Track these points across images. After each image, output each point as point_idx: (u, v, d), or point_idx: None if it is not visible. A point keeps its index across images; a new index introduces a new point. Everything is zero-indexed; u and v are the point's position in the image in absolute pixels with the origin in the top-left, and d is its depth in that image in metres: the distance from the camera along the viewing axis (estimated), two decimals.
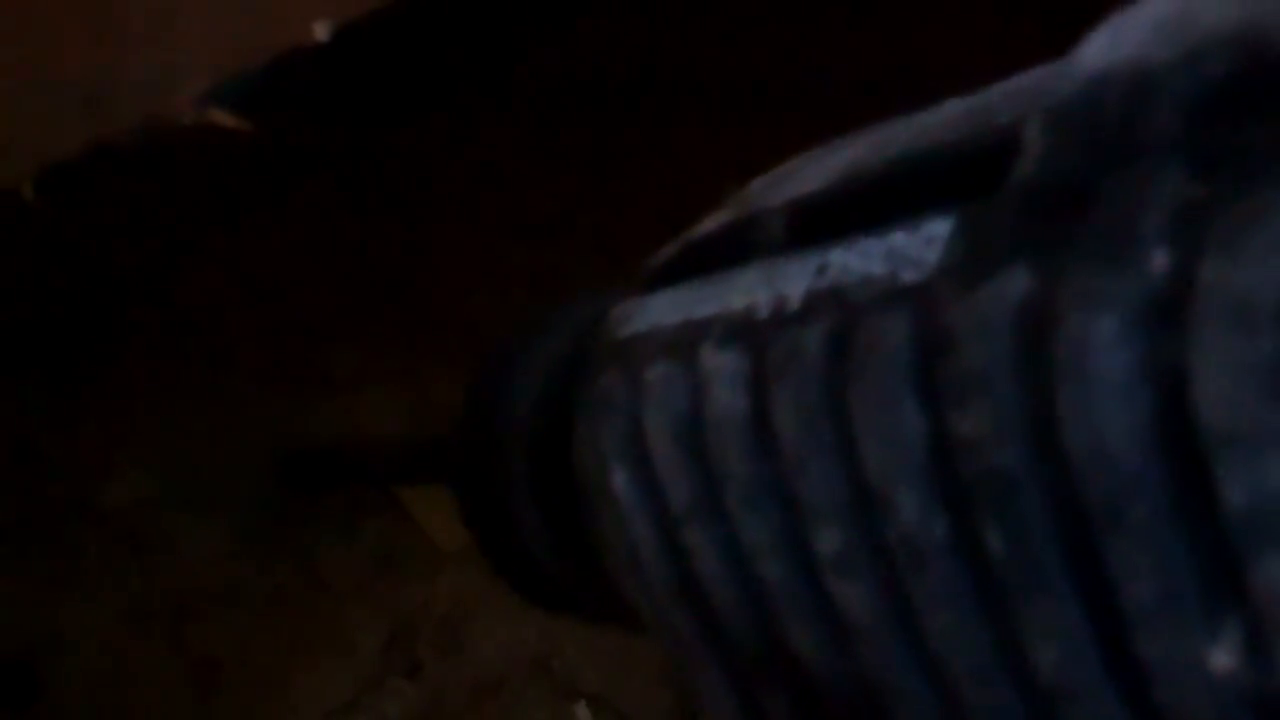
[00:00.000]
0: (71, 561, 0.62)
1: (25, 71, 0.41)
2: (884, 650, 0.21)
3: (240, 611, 0.65)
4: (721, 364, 0.24)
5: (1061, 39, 0.21)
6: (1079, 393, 0.17)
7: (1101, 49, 0.19)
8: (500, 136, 0.75)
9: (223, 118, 0.45)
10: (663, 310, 0.28)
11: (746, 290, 0.25)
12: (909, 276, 0.21)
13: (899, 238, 0.22)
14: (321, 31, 0.44)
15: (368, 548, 0.70)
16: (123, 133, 0.42)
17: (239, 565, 0.65)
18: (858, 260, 0.23)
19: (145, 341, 0.66)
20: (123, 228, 0.62)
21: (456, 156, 0.73)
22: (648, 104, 0.74)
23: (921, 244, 0.21)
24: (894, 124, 0.25)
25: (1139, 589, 0.17)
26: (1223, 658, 0.16)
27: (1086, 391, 0.17)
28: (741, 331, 0.24)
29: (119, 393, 0.65)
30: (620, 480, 0.27)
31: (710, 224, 0.30)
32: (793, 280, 0.24)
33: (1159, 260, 0.17)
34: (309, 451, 0.67)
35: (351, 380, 0.69)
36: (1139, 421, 0.16)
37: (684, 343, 0.26)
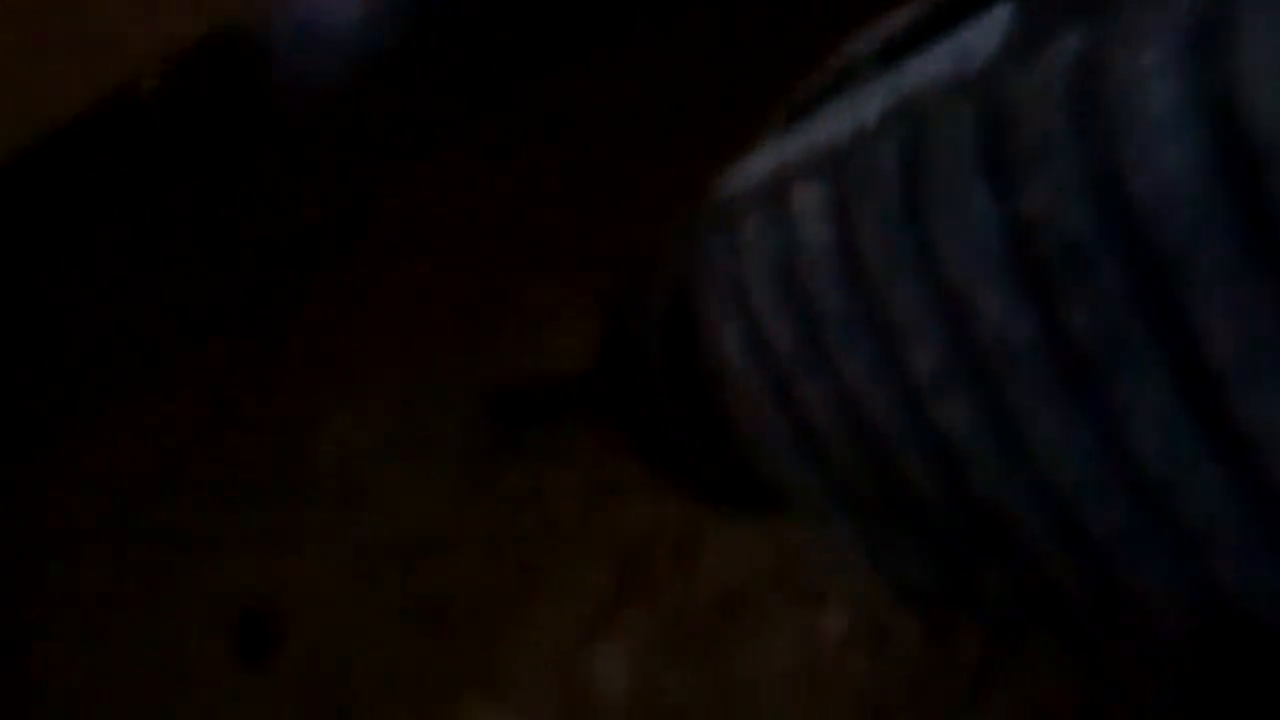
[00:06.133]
0: (290, 518, 0.64)
1: None
2: (990, 470, 0.20)
3: (467, 553, 0.66)
4: (808, 198, 0.23)
5: None
6: (1133, 135, 0.15)
7: None
8: None
9: None
10: (758, 164, 0.27)
11: (831, 123, 0.24)
12: (972, 67, 0.20)
13: (965, 35, 0.20)
14: None
15: (590, 478, 0.70)
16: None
17: (460, 507, 0.66)
18: (929, 65, 0.21)
19: (336, 290, 0.68)
20: (300, 167, 0.63)
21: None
22: (675, 135, 0.71)
23: (985, 35, 0.20)
24: None
25: (1223, 342, 0.15)
26: None
27: (1141, 131, 0.15)
28: (826, 163, 0.23)
29: (316, 345, 0.67)
30: (731, 342, 0.26)
31: (812, 81, 0.29)
32: (871, 103, 0.23)
33: None
34: (517, 388, 0.68)
35: (551, 314, 0.69)
36: (1196, 154, 0.15)
37: (775, 188, 0.25)
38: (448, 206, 0.69)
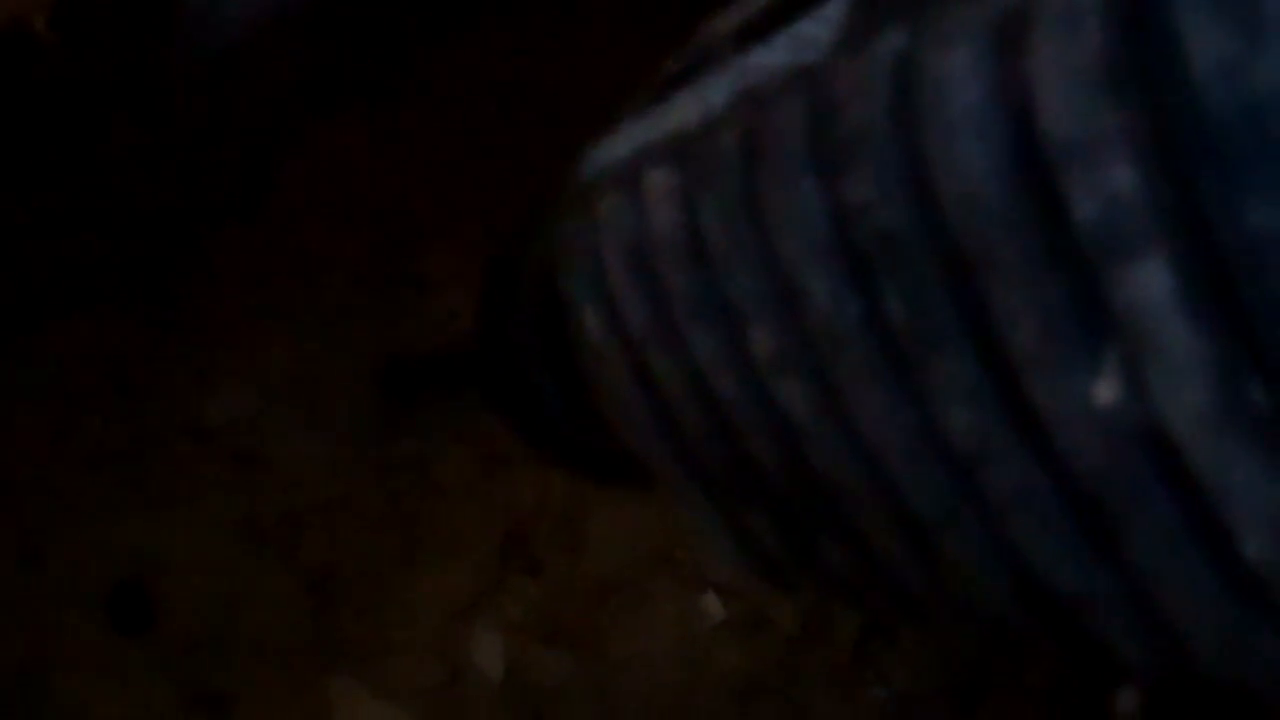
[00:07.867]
0: (178, 483, 0.63)
1: None
2: (824, 446, 0.21)
3: (353, 521, 0.66)
4: (658, 182, 0.24)
5: None
6: (942, 134, 0.16)
7: None
8: None
9: None
10: (617, 146, 0.27)
11: (683, 108, 0.25)
12: (808, 58, 0.20)
13: (804, 25, 0.21)
14: None
15: (479, 451, 0.70)
16: None
17: (349, 475, 0.66)
18: (770, 55, 0.22)
19: (233, 254, 0.66)
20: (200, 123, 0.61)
21: None
22: (576, 105, 0.71)
23: (821, 26, 0.21)
24: None
25: (1022, 331, 0.16)
26: (1105, 391, 0.15)
27: (948, 130, 0.16)
28: (676, 148, 0.24)
29: (213, 308, 0.65)
30: (591, 320, 0.27)
31: (673, 62, 0.29)
32: (720, 89, 0.23)
33: None
34: (413, 356, 0.68)
35: (448, 283, 0.68)
36: (997, 154, 0.15)
37: (630, 171, 0.25)
38: (349, 174, 0.68)
